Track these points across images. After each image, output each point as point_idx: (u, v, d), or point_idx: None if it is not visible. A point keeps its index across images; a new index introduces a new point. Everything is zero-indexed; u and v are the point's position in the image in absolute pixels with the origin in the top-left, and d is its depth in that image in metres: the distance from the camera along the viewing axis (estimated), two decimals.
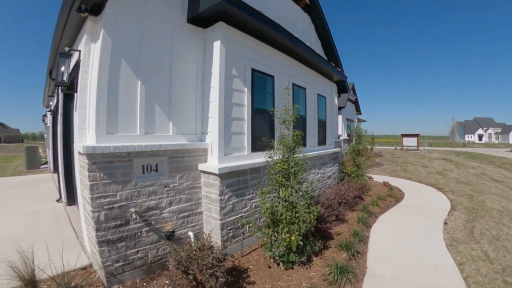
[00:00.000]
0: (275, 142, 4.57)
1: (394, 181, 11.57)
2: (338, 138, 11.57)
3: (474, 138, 79.66)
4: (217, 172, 4.11)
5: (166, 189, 3.96)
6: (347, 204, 6.93)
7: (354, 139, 9.58)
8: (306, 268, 4.07)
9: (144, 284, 3.54)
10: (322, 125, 8.87)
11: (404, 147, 32.40)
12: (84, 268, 3.70)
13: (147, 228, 3.74)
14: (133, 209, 3.56)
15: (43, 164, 15.65)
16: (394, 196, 8.73)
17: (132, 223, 3.58)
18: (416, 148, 31.28)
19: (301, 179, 4.46)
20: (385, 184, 10.41)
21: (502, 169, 18.22)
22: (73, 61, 4.34)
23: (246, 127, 4.99)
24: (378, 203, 7.69)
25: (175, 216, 4.09)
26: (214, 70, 4.52)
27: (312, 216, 4.21)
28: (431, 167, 16.83)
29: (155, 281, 3.59)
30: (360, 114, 26.45)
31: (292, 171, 4.30)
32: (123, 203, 3.50)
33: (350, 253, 4.51)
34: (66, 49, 4.23)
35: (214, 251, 3.37)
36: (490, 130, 79.14)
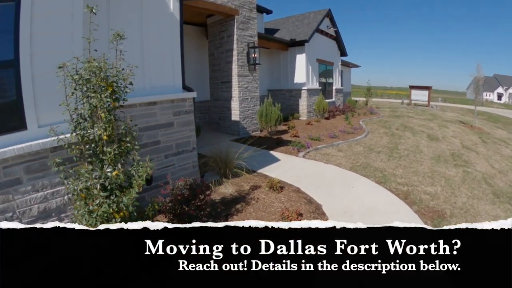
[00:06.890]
0: None
1: (344, 198, 4.72)
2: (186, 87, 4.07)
3: (492, 96, 69.49)
4: None
5: None
6: None
7: None
8: None
9: None
10: None
11: (413, 102, 24.99)
12: None
13: None
14: None
15: None
16: None
17: None
18: (426, 103, 23.55)
19: None
20: None
21: None
22: None
23: None
24: None
25: None
26: None
27: None
28: (442, 140, 9.80)
29: None
30: (346, 55, 16.67)
31: None
32: None
33: None
34: None
35: None
36: (511, 90, 68.20)
